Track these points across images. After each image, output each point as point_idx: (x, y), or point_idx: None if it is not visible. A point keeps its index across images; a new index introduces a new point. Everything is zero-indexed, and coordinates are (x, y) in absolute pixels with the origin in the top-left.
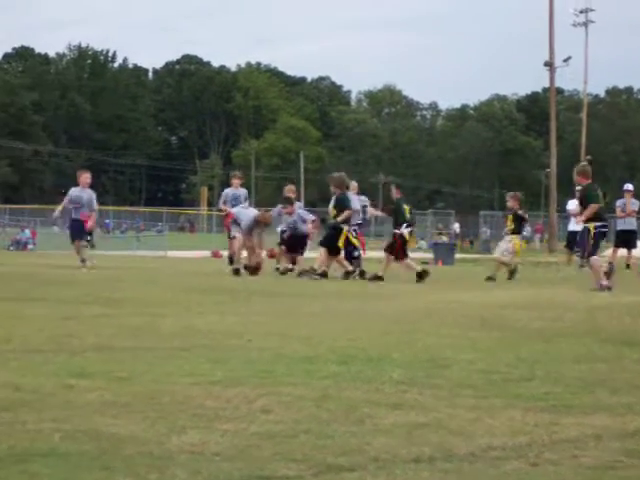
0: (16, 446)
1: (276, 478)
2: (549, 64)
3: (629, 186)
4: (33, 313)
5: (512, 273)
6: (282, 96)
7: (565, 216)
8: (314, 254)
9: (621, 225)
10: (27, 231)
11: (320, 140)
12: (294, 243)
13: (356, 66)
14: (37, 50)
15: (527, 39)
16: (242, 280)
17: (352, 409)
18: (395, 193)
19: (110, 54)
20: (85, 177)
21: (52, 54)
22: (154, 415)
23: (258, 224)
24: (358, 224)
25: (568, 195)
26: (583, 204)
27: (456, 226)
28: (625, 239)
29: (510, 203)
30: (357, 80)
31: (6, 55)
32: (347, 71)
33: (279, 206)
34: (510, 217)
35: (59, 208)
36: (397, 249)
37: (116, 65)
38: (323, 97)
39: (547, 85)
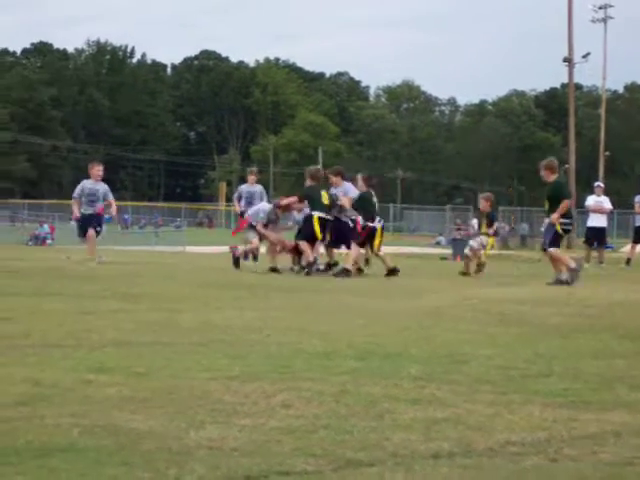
0: (35, 441)
1: (295, 473)
2: (568, 60)
3: None
4: (52, 308)
5: (481, 267)
6: (300, 91)
7: (584, 212)
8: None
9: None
10: (46, 226)
11: (338, 135)
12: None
13: (375, 62)
14: (55, 45)
15: (546, 35)
16: (260, 275)
17: (371, 404)
18: (361, 185)
19: (129, 50)
20: (97, 169)
21: (71, 49)
22: (172, 410)
23: (278, 209)
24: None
25: (587, 191)
26: (552, 199)
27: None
28: None
29: (482, 205)
30: (375, 76)
31: (25, 50)
32: (366, 67)
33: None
34: (484, 220)
35: (75, 209)
36: (362, 237)
37: (134, 61)
38: (341, 92)
39: (566, 81)
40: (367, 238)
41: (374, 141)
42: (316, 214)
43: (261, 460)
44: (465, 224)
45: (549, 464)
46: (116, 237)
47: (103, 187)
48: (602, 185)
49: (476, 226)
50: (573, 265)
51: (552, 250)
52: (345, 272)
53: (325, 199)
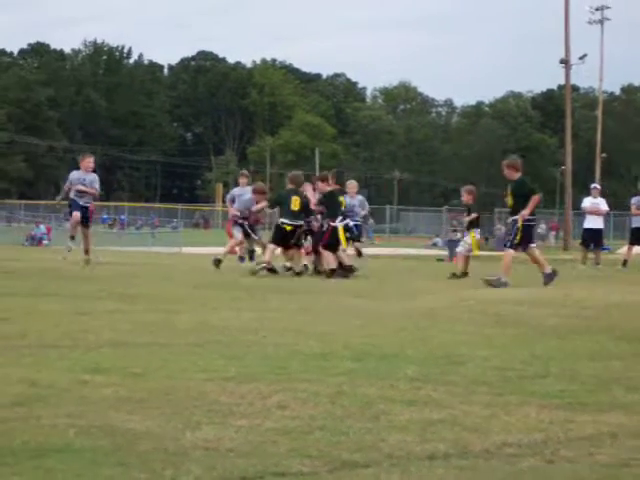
0: (31, 441)
1: (291, 474)
2: (565, 61)
3: None
4: (48, 308)
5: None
6: (297, 93)
7: (580, 214)
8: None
9: (636, 223)
10: (42, 227)
11: (335, 137)
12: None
13: (371, 63)
14: (52, 46)
15: (542, 36)
16: (256, 277)
17: (367, 406)
18: (331, 183)
19: (125, 50)
20: (88, 161)
21: (67, 50)
22: (169, 411)
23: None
24: (356, 224)
25: (583, 193)
26: (517, 196)
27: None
28: None
29: (465, 197)
30: (372, 77)
31: (22, 51)
32: (362, 68)
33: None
34: (466, 212)
35: (60, 196)
36: (325, 238)
37: (131, 61)
38: (338, 94)
39: (562, 82)
40: (332, 238)
41: (371, 142)
42: (280, 220)
43: (257, 461)
44: (461, 225)
45: (545, 465)
46: (111, 238)
47: (91, 176)
48: (599, 187)
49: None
50: (504, 279)
51: (508, 251)
52: (332, 272)
53: (295, 205)
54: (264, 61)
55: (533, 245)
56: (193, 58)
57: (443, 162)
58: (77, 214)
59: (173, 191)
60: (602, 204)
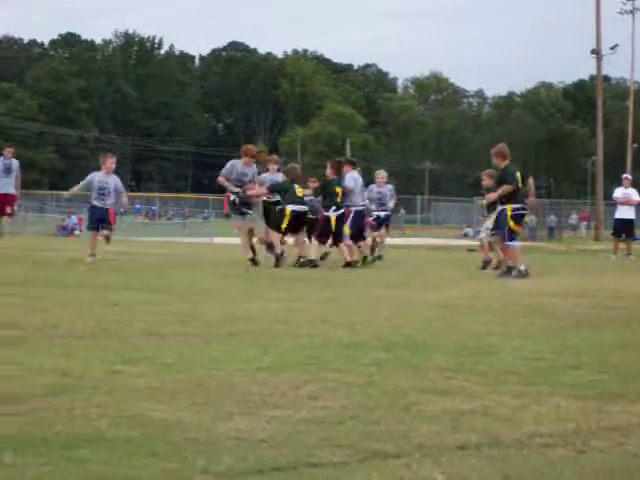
0: (62, 431)
1: (322, 464)
2: (596, 52)
3: None
4: (79, 299)
5: (487, 263)
6: (328, 83)
7: (612, 204)
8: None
9: None
10: (74, 217)
11: (366, 127)
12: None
13: (402, 53)
14: (83, 37)
15: (574, 27)
16: (282, 267)
17: (398, 396)
18: (329, 172)
19: (156, 41)
20: (110, 162)
21: (98, 40)
22: (200, 401)
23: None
24: (387, 215)
25: (614, 183)
26: (502, 185)
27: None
28: None
29: (486, 182)
30: (403, 67)
31: (53, 42)
32: (393, 58)
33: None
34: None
35: (72, 190)
36: (318, 228)
37: (162, 52)
38: (369, 84)
39: (594, 73)
40: (325, 227)
41: (402, 133)
42: (289, 207)
43: (289, 451)
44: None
45: (576, 455)
46: (143, 228)
47: (114, 180)
48: (630, 177)
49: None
50: (523, 267)
51: (511, 246)
52: (310, 262)
53: (299, 193)
54: (295, 52)
55: (514, 244)
56: (224, 49)
57: (474, 152)
58: (96, 234)
59: (204, 181)
60: (634, 194)
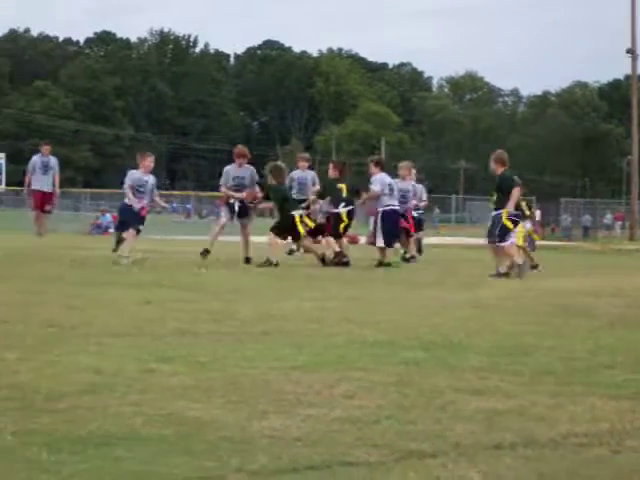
0: (98, 430)
1: (358, 464)
2: (631, 51)
3: None
4: (113, 297)
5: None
6: (363, 82)
7: None
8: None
9: None
10: (108, 215)
11: (401, 126)
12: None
13: (437, 52)
14: (119, 35)
15: (609, 26)
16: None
17: (434, 395)
18: (331, 172)
19: (192, 39)
20: (149, 161)
21: (133, 39)
22: (235, 399)
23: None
24: (420, 212)
25: None
26: (502, 191)
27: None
28: None
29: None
30: (438, 66)
31: (88, 40)
32: (428, 57)
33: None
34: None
35: (130, 196)
36: (328, 227)
37: (197, 50)
38: (404, 83)
39: (629, 72)
40: (336, 224)
41: (436, 132)
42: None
43: (324, 450)
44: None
45: (611, 455)
46: (177, 227)
47: (152, 179)
48: None
49: (538, 217)
50: (520, 261)
51: (505, 245)
52: (338, 256)
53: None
54: (330, 50)
55: (507, 243)
56: (259, 47)
57: (509, 152)
58: (132, 232)
59: None
60: None
